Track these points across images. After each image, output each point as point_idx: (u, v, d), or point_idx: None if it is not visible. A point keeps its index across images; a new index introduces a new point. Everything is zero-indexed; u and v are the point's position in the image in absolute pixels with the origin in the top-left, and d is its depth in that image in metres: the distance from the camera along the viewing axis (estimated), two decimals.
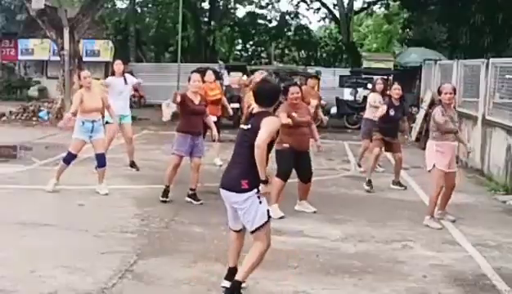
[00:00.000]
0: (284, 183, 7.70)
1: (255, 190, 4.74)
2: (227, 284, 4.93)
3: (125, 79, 10.30)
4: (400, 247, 6.50)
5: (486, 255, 6.31)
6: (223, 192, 4.94)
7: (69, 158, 8.50)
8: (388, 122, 9.36)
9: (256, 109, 4.91)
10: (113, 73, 10.37)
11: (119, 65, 10.29)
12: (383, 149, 9.67)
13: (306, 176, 7.89)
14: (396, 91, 9.44)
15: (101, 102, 8.57)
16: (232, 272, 4.99)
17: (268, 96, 4.92)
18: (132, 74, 11.96)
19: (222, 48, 36.44)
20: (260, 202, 4.76)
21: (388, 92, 10.47)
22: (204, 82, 11.15)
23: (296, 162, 7.72)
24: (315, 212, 7.82)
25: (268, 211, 4.84)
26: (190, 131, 7.95)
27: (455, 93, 7.61)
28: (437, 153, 7.39)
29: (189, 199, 8.05)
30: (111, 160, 10.43)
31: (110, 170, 10.05)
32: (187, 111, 7.99)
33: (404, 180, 10.32)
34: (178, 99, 7.93)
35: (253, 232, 4.80)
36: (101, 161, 8.56)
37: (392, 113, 9.32)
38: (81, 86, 8.66)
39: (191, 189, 8.07)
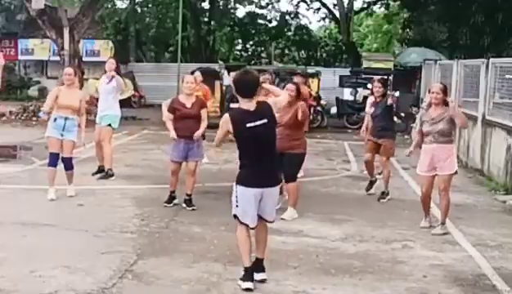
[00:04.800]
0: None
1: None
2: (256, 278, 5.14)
3: (111, 79, 9.57)
4: (400, 247, 6.49)
5: (486, 255, 6.30)
6: (266, 190, 5.15)
7: (52, 160, 8.16)
8: (373, 118, 8.98)
9: (243, 103, 5.14)
10: (105, 71, 9.81)
11: (109, 64, 9.68)
12: (373, 153, 9.05)
13: (285, 176, 7.33)
14: (376, 89, 9.07)
15: (78, 102, 8.22)
16: (252, 268, 5.17)
17: (250, 87, 5.16)
18: (132, 74, 11.92)
19: (222, 48, 36.39)
20: None
21: (388, 92, 10.42)
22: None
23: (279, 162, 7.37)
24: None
25: None
26: (183, 135, 7.70)
27: (445, 93, 7.20)
28: (421, 155, 7.22)
29: (184, 204, 7.85)
30: None
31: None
32: (178, 115, 7.76)
33: (405, 180, 10.35)
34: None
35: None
36: (67, 164, 8.24)
37: (370, 110, 9.03)
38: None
39: (187, 194, 7.86)
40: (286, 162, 7.34)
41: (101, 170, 9.65)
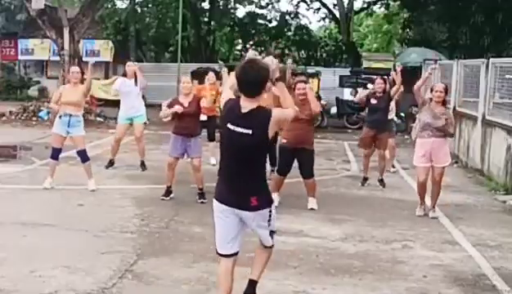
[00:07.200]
0: (281, 177, 7.98)
1: (268, 209, 4.21)
2: None
3: (135, 81, 10.29)
4: (400, 247, 6.50)
5: (486, 255, 6.31)
6: (242, 214, 4.18)
7: (54, 153, 8.63)
8: (373, 112, 9.60)
9: (243, 99, 4.08)
10: (124, 75, 10.55)
11: (130, 67, 10.42)
12: (372, 146, 9.75)
13: (304, 173, 8.10)
14: (378, 85, 9.66)
15: (82, 97, 8.58)
16: None
17: (252, 84, 4.02)
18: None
19: (222, 48, 36.40)
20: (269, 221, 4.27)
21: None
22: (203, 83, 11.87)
23: (294, 158, 7.96)
24: (312, 209, 7.96)
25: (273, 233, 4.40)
26: (180, 132, 8.05)
27: (446, 92, 7.87)
28: (416, 148, 7.85)
29: (197, 197, 8.15)
30: None
31: (110, 170, 10.11)
32: (176, 113, 8.04)
33: (404, 180, 10.35)
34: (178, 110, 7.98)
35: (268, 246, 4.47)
36: (82, 157, 8.68)
37: (373, 101, 9.57)
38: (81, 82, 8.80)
39: (199, 189, 8.18)
40: (308, 158, 7.99)
41: (111, 163, 10.30)
